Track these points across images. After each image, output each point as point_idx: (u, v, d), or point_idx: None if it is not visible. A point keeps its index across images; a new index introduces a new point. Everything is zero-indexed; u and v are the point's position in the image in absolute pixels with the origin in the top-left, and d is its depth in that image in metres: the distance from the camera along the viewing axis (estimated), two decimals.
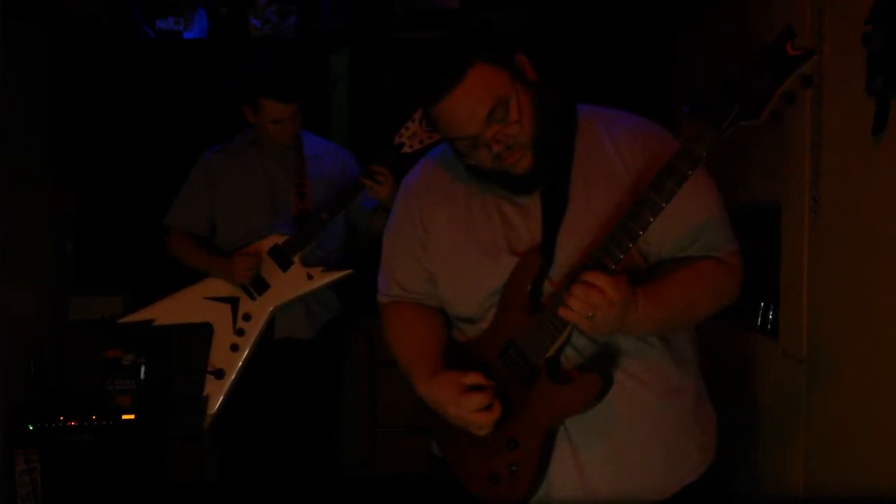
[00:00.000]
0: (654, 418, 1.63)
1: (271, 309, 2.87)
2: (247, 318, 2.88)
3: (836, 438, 2.12)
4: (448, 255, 1.68)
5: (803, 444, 2.26)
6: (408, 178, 1.78)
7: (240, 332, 2.87)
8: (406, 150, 2.80)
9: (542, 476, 1.59)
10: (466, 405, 1.54)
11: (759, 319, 2.52)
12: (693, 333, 1.71)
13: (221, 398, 2.82)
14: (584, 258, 1.48)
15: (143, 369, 3.38)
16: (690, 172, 1.39)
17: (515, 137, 1.52)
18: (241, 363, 2.84)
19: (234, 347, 2.85)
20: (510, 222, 1.63)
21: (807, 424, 2.25)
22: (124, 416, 3.29)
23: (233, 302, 2.89)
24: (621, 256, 1.44)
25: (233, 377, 2.83)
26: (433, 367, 1.65)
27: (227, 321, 2.88)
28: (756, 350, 2.56)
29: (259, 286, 2.88)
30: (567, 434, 1.60)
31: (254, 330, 2.86)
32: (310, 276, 2.87)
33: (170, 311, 2.93)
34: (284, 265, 2.88)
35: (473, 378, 1.57)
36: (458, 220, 1.67)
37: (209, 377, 2.83)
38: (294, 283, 2.87)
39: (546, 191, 1.61)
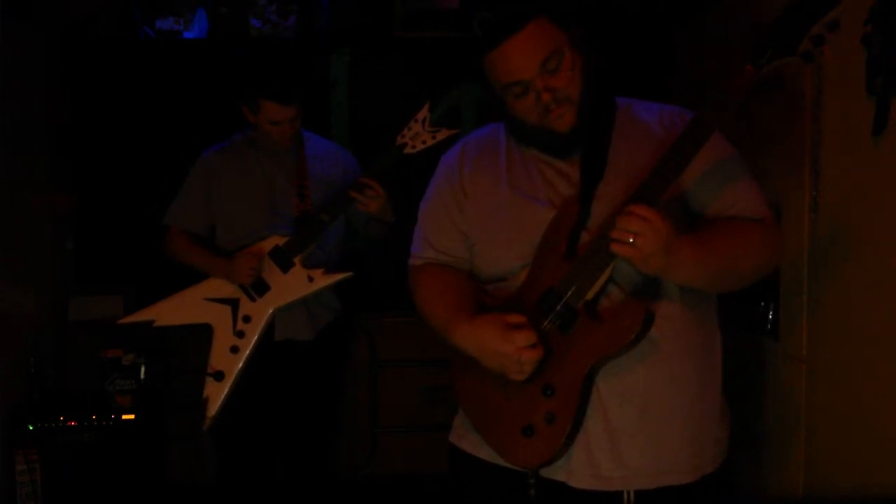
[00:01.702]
0: (690, 391, 1.66)
1: (271, 311, 2.86)
2: (247, 319, 2.86)
3: (836, 438, 2.12)
4: (490, 210, 1.72)
5: (803, 444, 2.26)
6: (447, 156, 1.85)
7: (240, 334, 2.86)
8: (409, 150, 2.79)
9: (577, 429, 1.57)
10: (516, 340, 1.54)
11: (760, 320, 2.52)
12: (719, 330, 1.75)
13: (221, 400, 2.81)
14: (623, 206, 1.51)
15: (143, 369, 3.38)
16: (730, 101, 1.50)
17: (564, 90, 1.59)
18: (240, 365, 2.83)
19: (234, 349, 2.84)
20: (550, 181, 1.68)
21: (807, 424, 2.25)
22: (124, 416, 3.29)
23: (233, 303, 2.88)
24: (663, 190, 1.49)
25: (232, 379, 2.82)
26: (472, 314, 1.65)
27: (227, 323, 2.87)
28: (756, 350, 2.56)
29: (259, 288, 2.87)
30: (600, 399, 1.60)
31: (254, 332, 2.85)
32: (311, 279, 2.86)
33: (170, 312, 2.92)
34: (285, 267, 2.87)
35: (516, 318, 1.57)
36: (500, 181, 1.72)
37: (209, 379, 2.82)
38: (295, 286, 2.85)
39: (585, 155, 1.66)
